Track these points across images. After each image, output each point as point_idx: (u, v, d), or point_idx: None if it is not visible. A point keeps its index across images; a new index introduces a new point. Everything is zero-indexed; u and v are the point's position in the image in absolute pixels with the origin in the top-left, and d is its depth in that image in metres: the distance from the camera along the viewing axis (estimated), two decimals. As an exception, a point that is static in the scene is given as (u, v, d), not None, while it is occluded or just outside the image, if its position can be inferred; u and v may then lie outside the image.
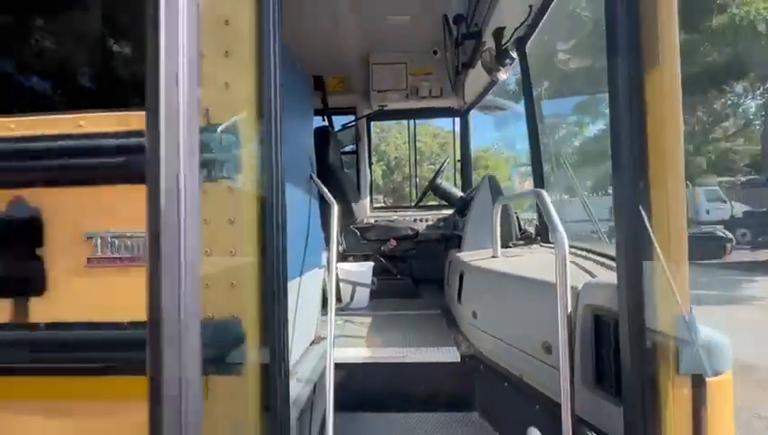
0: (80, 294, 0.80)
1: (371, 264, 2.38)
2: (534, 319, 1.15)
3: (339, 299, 2.25)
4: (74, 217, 0.80)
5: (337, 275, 2.16)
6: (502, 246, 1.71)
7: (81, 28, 1.02)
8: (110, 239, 0.79)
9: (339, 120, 3.38)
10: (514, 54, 1.86)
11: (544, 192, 1.11)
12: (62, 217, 0.81)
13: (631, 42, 0.75)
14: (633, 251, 0.76)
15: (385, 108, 3.13)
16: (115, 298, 0.81)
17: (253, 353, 0.79)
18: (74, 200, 0.81)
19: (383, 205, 4.47)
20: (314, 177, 1.60)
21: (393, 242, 2.55)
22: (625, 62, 0.75)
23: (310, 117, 1.83)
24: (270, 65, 0.81)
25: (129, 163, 0.80)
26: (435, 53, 2.85)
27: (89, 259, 0.79)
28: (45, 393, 0.80)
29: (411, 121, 3.69)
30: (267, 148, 0.81)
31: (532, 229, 2.11)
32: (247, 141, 0.81)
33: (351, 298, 2.26)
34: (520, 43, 1.93)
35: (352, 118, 3.29)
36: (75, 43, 1.02)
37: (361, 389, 1.55)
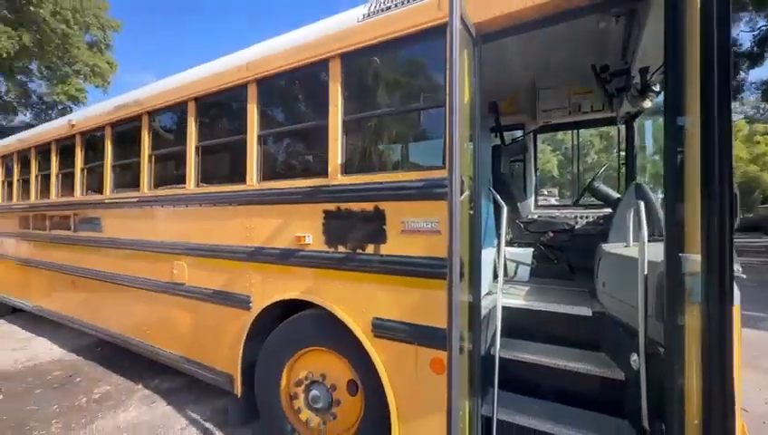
0: (398, 244, 2.01)
1: (531, 249, 3.15)
2: (636, 283, 1.79)
3: (505, 273, 3.12)
4: (397, 212, 2.01)
5: (504, 253, 3.04)
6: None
7: (401, 124, 2.28)
8: (410, 222, 1.96)
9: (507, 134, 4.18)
10: (656, 88, 2.31)
11: (641, 203, 1.74)
12: (392, 212, 2.02)
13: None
14: (672, 236, 1.41)
15: (550, 123, 3.75)
16: (409, 246, 1.97)
17: (465, 278, 1.83)
18: (397, 205, 2.02)
19: (545, 203, 4.96)
20: (491, 188, 2.54)
21: (551, 234, 3.21)
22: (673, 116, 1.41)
23: (488, 139, 2.77)
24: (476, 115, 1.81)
25: (417, 192, 1.95)
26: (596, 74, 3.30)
27: (402, 230, 1.99)
28: (381, 281, 2.05)
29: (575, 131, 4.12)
30: (477, 168, 1.82)
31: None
32: (467, 165, 1.84)
33: (515, 272, 3.10)
34: (668, 75, 2.34)
35: (520, 132, 4.03)
36: (402, 134, 2.30)
37: (517, 324, 2.41)
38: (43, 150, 4.86)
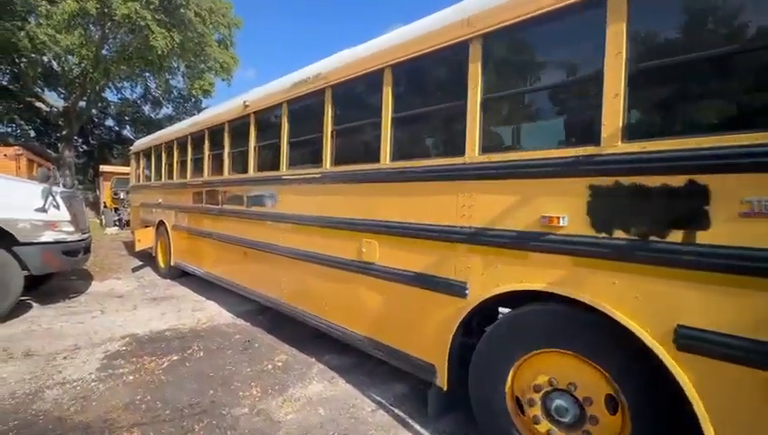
0: (731, 231, 1.48)
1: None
2: None
3: None
4: (732, 188, 1.48)
5: None
6: None
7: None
8: (762, 202, 1.42)
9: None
10: None
11: None
12: (723, 188, 1.49)
13: None
14: None
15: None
16: (753, 235, 1.43)
17: None
18: (734, 178, 1.48)
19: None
20: None
21: None
22: None
23: None
24: None
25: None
26: None
27: (742, 213, 1.46)
28: (695, 279, 1.55)
29: None
30: None
31: None
32: None
33: None
34: None
35: None
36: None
37: None
38: (216, 131, 5.29)
